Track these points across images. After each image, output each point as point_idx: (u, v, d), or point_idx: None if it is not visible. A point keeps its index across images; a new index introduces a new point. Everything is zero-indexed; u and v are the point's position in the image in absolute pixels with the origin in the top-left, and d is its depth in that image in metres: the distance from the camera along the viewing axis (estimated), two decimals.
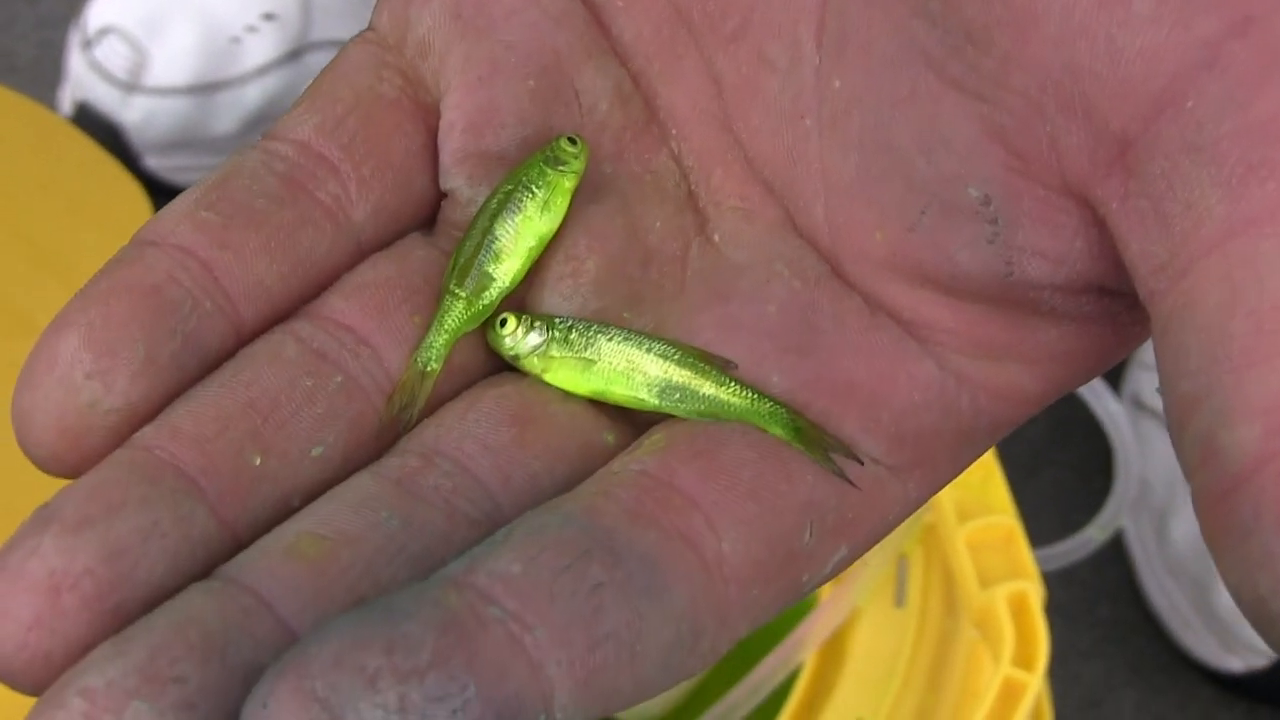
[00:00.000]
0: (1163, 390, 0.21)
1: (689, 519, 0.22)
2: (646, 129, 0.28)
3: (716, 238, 0.27)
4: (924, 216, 0.24)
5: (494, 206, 0.26)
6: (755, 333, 0.25)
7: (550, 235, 0.26)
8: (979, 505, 0.54)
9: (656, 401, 0.25)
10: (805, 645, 0.54)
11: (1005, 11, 0.22)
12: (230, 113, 0.71)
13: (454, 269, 0.26)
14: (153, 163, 0.72)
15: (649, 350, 0.25)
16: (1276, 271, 0.20)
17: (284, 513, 0.23)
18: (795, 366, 0.25)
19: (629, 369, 0.25)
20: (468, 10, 0.27)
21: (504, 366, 0.26)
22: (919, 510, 0.56)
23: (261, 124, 0.72)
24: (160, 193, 0.68)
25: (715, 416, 0.24)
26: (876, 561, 0.54)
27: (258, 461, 0.23)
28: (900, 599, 0.55)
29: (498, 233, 0.26)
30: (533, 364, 0.25)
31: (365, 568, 0.22)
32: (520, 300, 0.27)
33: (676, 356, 0.25)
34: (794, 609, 0.57)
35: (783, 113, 0.26)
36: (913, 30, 0.24)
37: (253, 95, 0.71)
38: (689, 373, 0.25)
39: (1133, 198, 0.22)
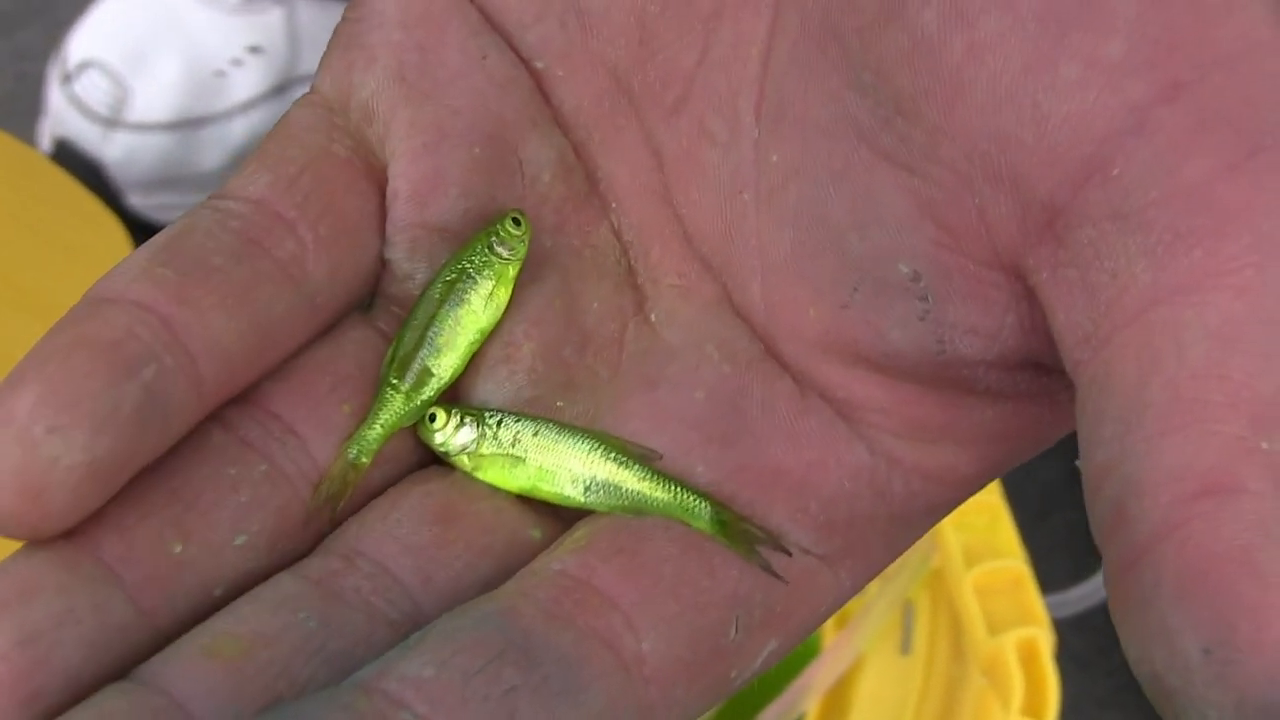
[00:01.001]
0: (1081, 460, 0.21)
1: (607, 618, 0.23)
2: (587, 201, 0.29)
3: (653, 317, 0.28)
4: (856, 294, 0.25)
5: (437, 295, 0.27)
6: (682, 421, 0.26)
7: (491, 328, 0.27)
8: (987, 549, 0.55)
9: (582, 498, 0.26)
10: (808, 694, 0.55)
11: (933, 81, 0.23)
12: (215, 148, 0.72)
13: (393, 360, 0.27)
14: (136, 201, 0.73)
15: (574, 446, 0.26)
16: (1198, 340, 0.20)
17: (205, 603, 0.24)
18: (720, 456, 0.26)
19: (555, 466, 0.26)
20: (411, 74, 0.28)
21: (433, 456, 0.27)
22: (925, 554, 0.57)
23: None
24: (143, 232, 0.69)
25: (640, 511, 0.25)
26: (881, 607, 0.55)
27: (179, 550, 0.24)
28: (906, 646, 0.56)
29: (440, 326, 0.27)
30: (462, 461, 0.26)
31: (282, 668, 0.22)
32: (454, 386, 0.27)
33: (601, 451, 0.26)
34: (796, 655, 0.58)
35: (722, 187, 0.27)
36: (846, 101, 0.25)
37: (238, 130, 0.72)
38: (613, 467, 0.26)
39: (1061, 267, 0.22)
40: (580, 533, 0.25)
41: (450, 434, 0.26)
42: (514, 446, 0.26)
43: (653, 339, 0.27)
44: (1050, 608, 0.54)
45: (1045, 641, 0.53)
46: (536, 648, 0.22)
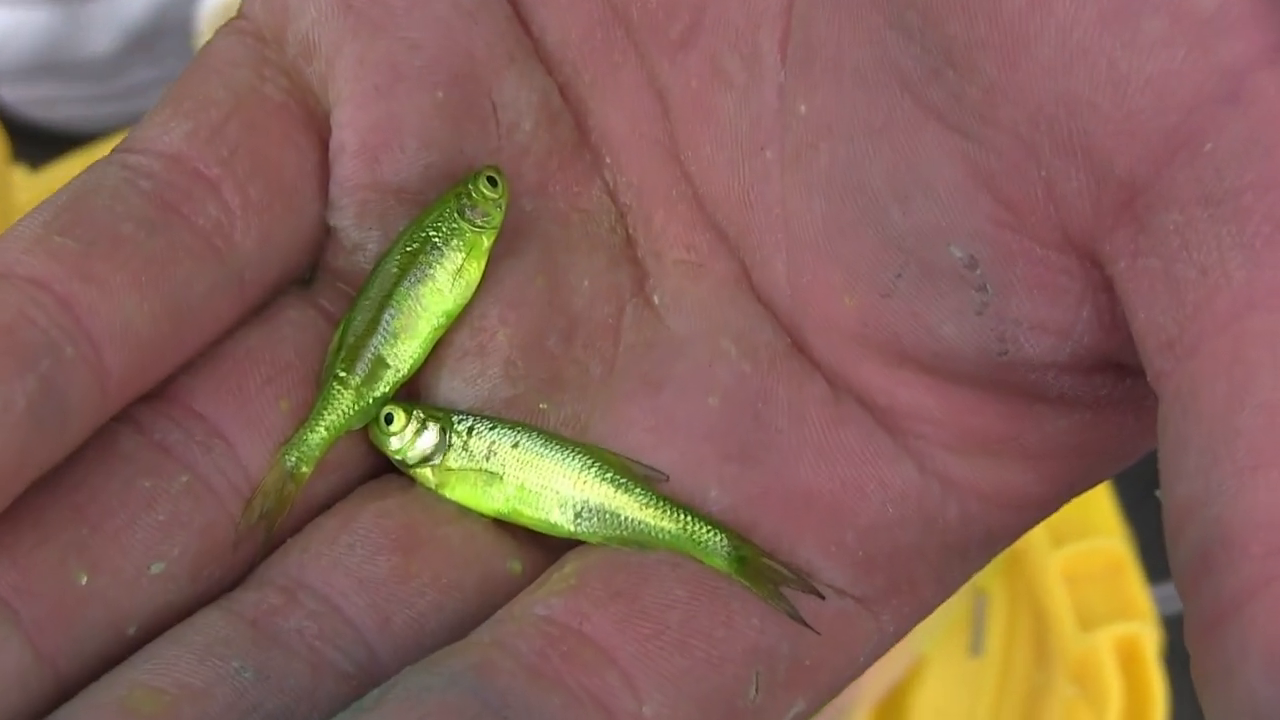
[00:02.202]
0: (1162, 492, 0.22)
1: (602, 677, 0.24)
2: (576, 155, 0.29)
3: (656, 300, 0.29)
4: (900, 280, 0.26)
5: (394, 269, 0.28)
6: (692, 433, 0.27)
7: (459, 311, 0.28)
8: (1078, 525, 0.56)
9: (571, 526, 0.27)
10: (856, 706, 0.56)
11: (991, 30, 0.23)
12: (107, 28, 0.71)
13: (340, 348, 0.27)
14: (10, 94, 0.73)
15: (563, 461, 0.27)
16: None
17: (116, 644, 0.25)
18: (739, 478, 0.27)
19: (539, 486, 0.27)
20: None
21: (389, 463, 0.28)
22: None
23: (147, 44, 0.73)
24: (21, 134, 0.69)
25: (642, 545, 0.26)
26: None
27: (84, 580, 0.24)
28: (977, 646, 0.57)
29: (397, 307, 0.28)
30: (425, 476, 0.27)
31: None
32: (413, 381, 0.28)
33: (595, 469, 0.27)
34: None
35: (739, 140, 0.28)
36: (887, 44, 0.25)
37: (135, 7, 0.73)
38: (610, 489, 0.27)
39: (1142, 256, 0.23)
40: (569, 568, 0.26)
41: (410, 440, 0.27)
42: (488, 460, 0.27)
43: (656, 328, 0.28)
44: (1158, 601, 0.55)
45: (1150, 640, 0.54)
46: (518, 713, 0.23)
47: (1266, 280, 0.21)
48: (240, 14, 0.29)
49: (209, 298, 0.26)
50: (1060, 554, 0.56)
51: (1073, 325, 0.25)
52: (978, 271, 0.25)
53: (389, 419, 0.27)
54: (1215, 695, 0.20)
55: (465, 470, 0.27)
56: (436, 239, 0.28)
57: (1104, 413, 0.26)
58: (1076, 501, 0.58)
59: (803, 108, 0.27)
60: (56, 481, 0.25)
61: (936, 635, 0.56)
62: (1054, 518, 0.56)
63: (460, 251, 0.28)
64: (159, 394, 0.26)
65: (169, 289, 0.26)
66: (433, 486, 0.27)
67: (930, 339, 0.26)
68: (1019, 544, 0.57)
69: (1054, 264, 0.24)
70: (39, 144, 0.71)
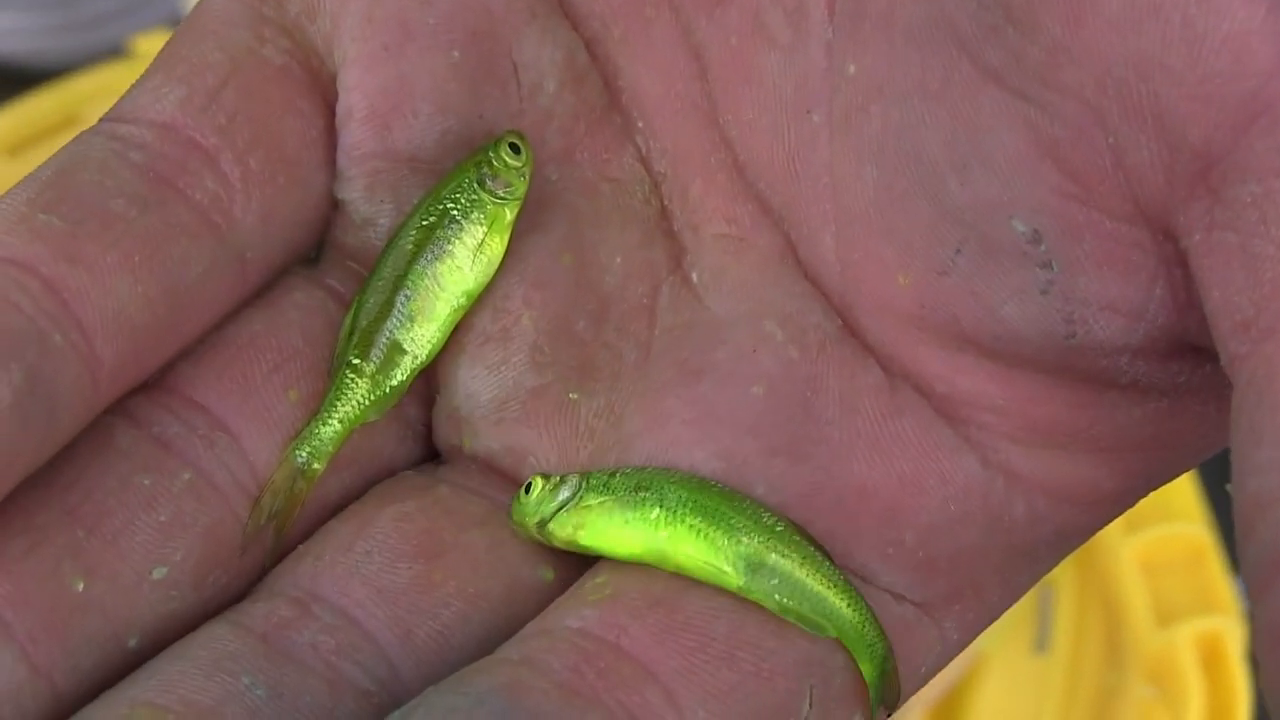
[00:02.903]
0: (1233, 486, 0.23)
1: (642, 694, 0.25)
2: (606, 119, 0.30)
3: (695, 278, 0.30)
4: (959, 257, 0.27)
5: (409, 246, 0.29)
6: (735, 426, 0.28)
7: (480, 291, 0.29)
8: (1155, 510, 0.57)
9: (741, 580, 0.27)
10: (911, 709, 0.57)
11: None
12: None
13: (352, 333, 0.28)
14: None
15: (735, 503, 0.27)
16: None
17: (118, 657, 0.26)
18: (787, 474, 0.28)
19: (706, 525, 0.27)
20: None
21: (407, 452, 0.29)
22: None
23: None
24: None
25: (808, 625, 0.27)
26: None
27: (81, 587, 0.25)
28: (1042, 642, 0.57)
29: (413, 287, 0.28)
30: (561, 523, 0.27)
31: None
32: (430, 369, 0.29)
33: (775, 522, 0.27)
34: None
35: (784, 103, 0.29)
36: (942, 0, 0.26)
37: None
38: (793, 552, 0.27)
39: (1218, 230, 0.24)
40: (604, 577, 0.27)
41: (547, 495, 0.28)
42: (637, 491, 0.27)
43: (695, 309, 0.29)
44: (1244, 593, 0.56)
45: (1234, 636, 0.55)
46: None
47: None
48: None
49: (207, 279, 0.27)
50: (1135, 541, 0.57)
51: (1146, 305, 0.26)
52: (1042, 247, 0.26)
53: (528, 489, 0.28)
54: None
55: (608, 503, 0.27)
56: (455, 212, 0.29)
57: (1182, 401, 0.27)
58: None
59: (852, 68, 0.28)
60: (47, 481, 0.26)
61: (998, 631, 0.57)
62: None
63: (481, 225, 0.29)
64: (156, 384, 0.27)
65: (164, 270, 0.27)
66: (571, 534, 0.28)
67: (992, 321, 0.27)
68: None
69: (1125, 238, 0.25)
70: None
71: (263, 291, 0.29)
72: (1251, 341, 0.23)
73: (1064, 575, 0.58)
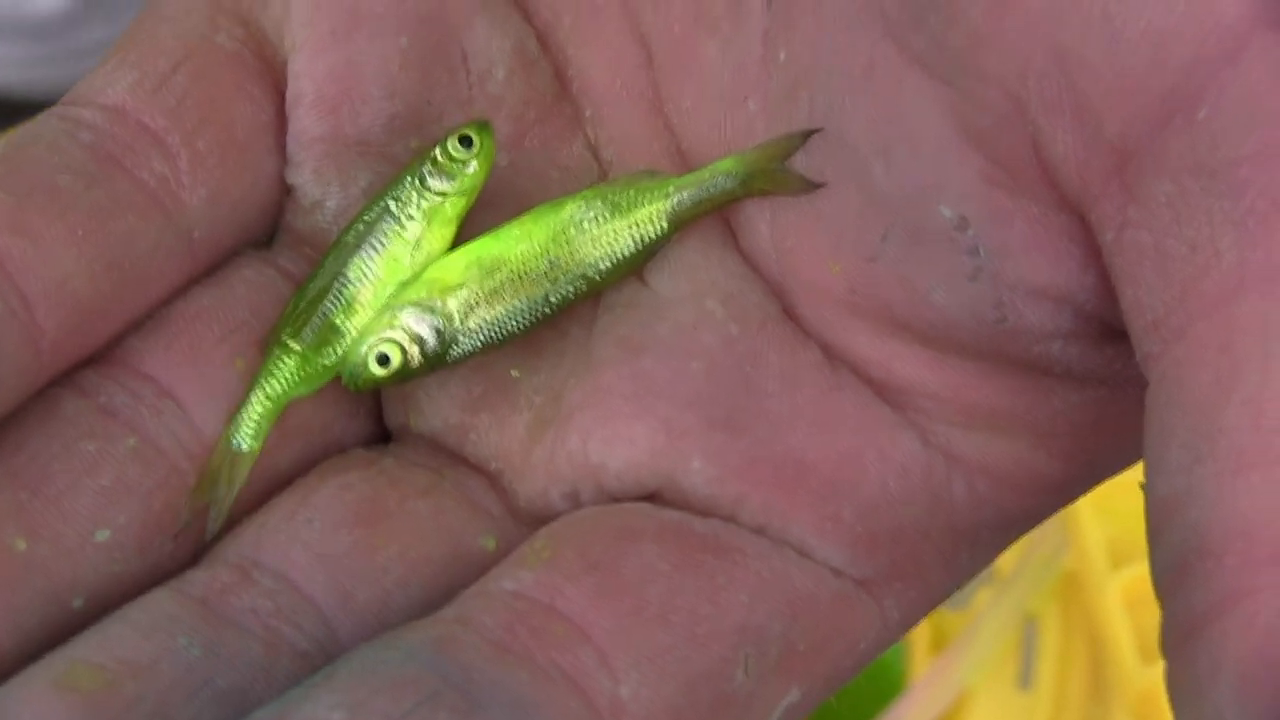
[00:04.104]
0: (1145, 486, 0.23)
1: (575, 653, 0.25)
2: (555, 107, 0.31)
3: None
4: (886, 243, 0.27)
5: (351, 239, 0.29)
6: (674, 400, 0.28)
7: None
8: (1140, 545, 0.56)
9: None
10: None
11: None
12: None
13: (291, 314, 0.29)
14: None
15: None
16: None
17: (61, 617, 0.26)
18: (725, 447, 0.28)
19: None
20: None
21: (359, 430, 0.30)
22: (1053, 550, 0.59)
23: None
24: None
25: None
26: (992, 624, 0.58)
27: (22, 546, 0.26)
28: (1027, 678, 0.58)
29: (351, 275, 0.29)
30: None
31: (156, 705, 0.25)
32: None
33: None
34: (875, 690, 0.61)
35: (723, 91, 0.29)
36: None
37: None
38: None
39: (1130, 228, 0.24)
40: (541, 541, 0.27)
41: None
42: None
43: (637, 289, 0.30)
44: None
45: None
46: (480, 689, 0.24)
47: (1258, 261, 0.23)
48: None
49: (153, 255, 0.28)
50: (1121, 576, 0.57)
51: (1076, 291, 0.26)
52: (969, 233, 0.26)
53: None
54: (1184, 711, 0.22)
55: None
56: (394, 207, 0.30)
57: (1121, 389, 0.28)
58: (1138, 519, 0.59)
59: (783, 54, 0.28)
60: None
61: (982, 666, 0.57)
62: (1114, 536, 0.58)
63: (418, 221, 0.30)
64: (106, 358, 0.28)
65: (109, 244, 0.27)
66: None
67: (923, 307, 0.27)
68: (1074, 564, 0.58)
69: (1053, 225, 0.26)
70: None
71: (213, 271, 0.30)
72: (1163, 342, 0.24)
73: (1048, 610, 0.58)
